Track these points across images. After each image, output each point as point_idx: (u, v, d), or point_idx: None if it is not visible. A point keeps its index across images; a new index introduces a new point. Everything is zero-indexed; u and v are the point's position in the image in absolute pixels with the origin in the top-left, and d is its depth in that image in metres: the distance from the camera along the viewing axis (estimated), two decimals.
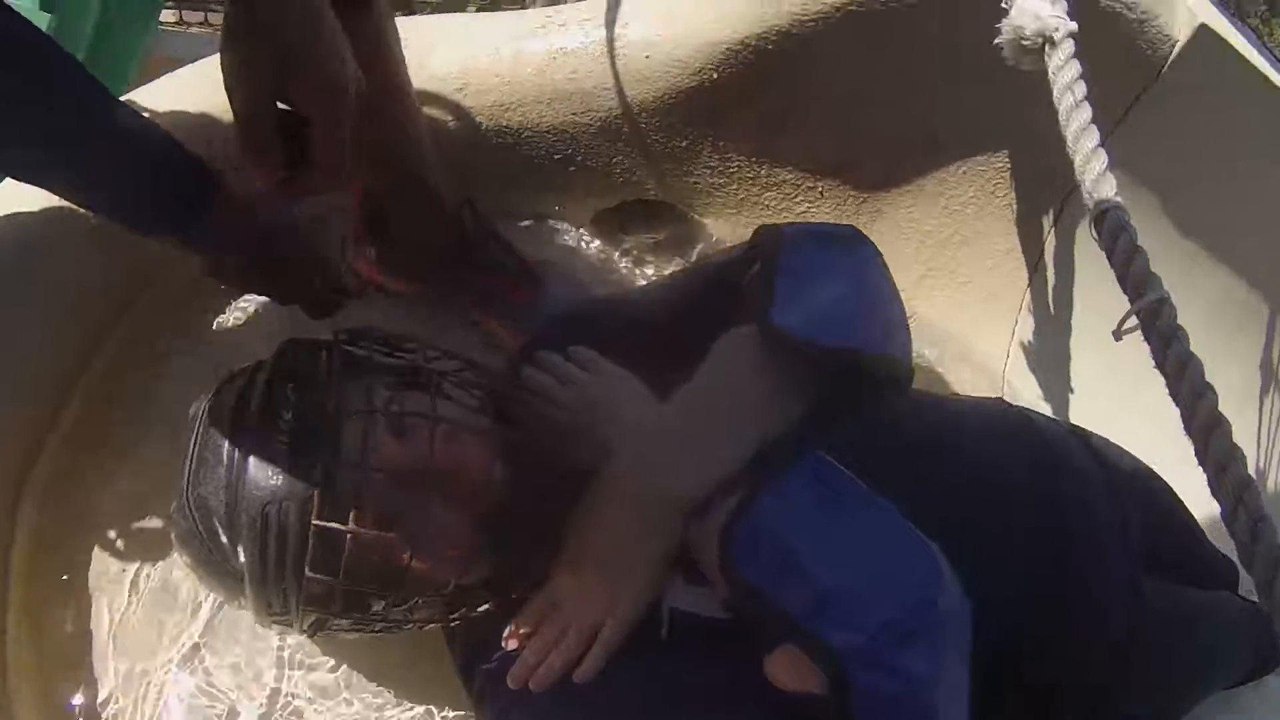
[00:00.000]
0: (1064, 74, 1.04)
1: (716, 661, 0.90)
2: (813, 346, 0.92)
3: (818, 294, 0.97)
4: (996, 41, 1.14)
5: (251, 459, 0.89)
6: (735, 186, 1.56)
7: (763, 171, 1.53)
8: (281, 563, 0.88)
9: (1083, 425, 1.13)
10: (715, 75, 1.39)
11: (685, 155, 1.52)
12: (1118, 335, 0.90)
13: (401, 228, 1.39)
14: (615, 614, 0.92)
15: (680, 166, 1.54)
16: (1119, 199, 0.94)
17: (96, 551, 1.30)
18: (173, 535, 0.96)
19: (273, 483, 0.88)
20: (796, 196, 1.55)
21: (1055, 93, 1.04)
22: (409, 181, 1.33)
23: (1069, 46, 1.06)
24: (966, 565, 0.84)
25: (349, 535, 0.85)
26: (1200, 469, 0.79)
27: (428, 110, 1.46)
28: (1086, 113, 1.00)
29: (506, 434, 0.99)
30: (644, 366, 1.04)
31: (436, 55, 1.47)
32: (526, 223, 1.60)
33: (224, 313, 1.47)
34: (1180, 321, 0.86)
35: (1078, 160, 0.98)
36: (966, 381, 1.59)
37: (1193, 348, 0.84)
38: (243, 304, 1.48)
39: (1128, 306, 0.89)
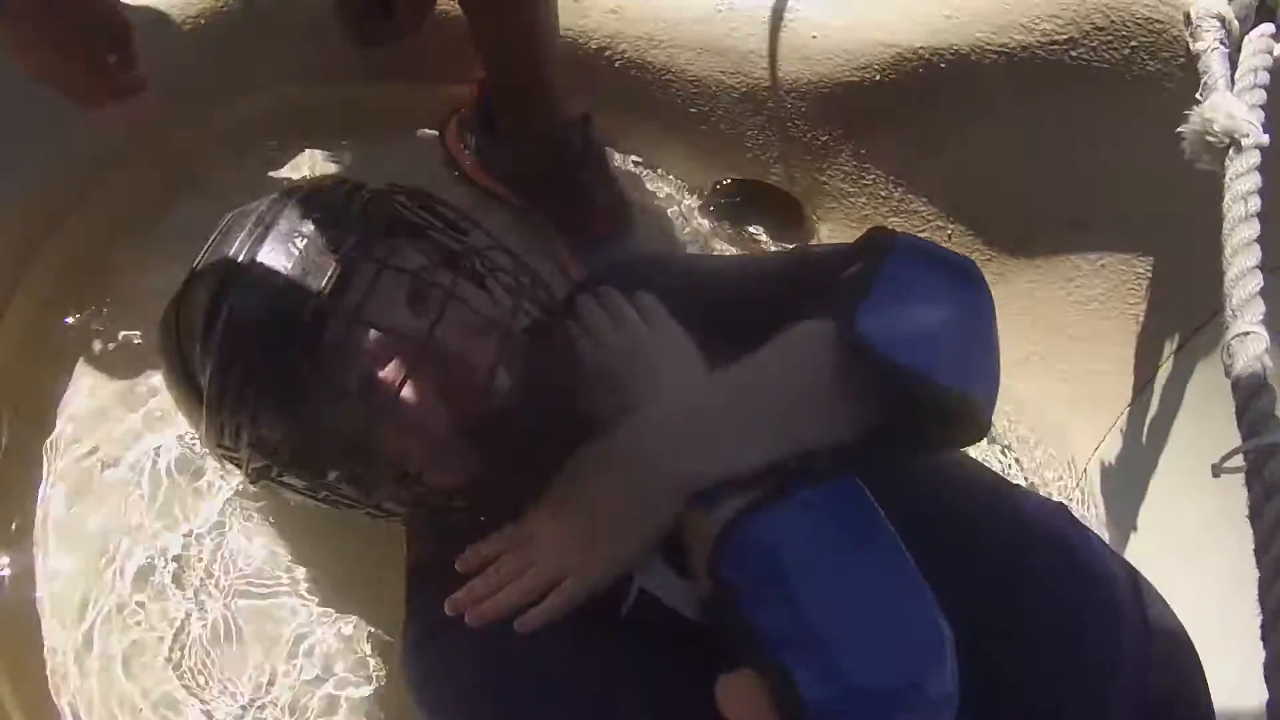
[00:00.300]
0: (1241, 183, 0.95)
1: (665, 661, 0.82)
2: (888, 362, 0.82)
3: (912, 311, 0.88)
4: (1180, 130, 1.04)
5: (245, 279, 0.84)
6: (864, 200, 1.47)
7: (896, 194, 1.44)
8: (241, 390, 0.83)
9: (1136, 564, 1.03)
10: (878, 77, 1.31)
11: (823, 151, 1.43)
12: (1217, 471, 0.81)
13: (510, 125, 1.35)
14: (584, 570, 0.85)
15: (815, 161, 1.45)
16: (1262, 328, 0.85)
17: None
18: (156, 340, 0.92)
19: (258, 303, 0.83)
20: (923, 230, 1.45)
21: (1226, 199, 0.94)
22: (528, 81, 1.27)
23: (1254, 157, 0.97)
24: (972, 662, 0.74)
25: (317, 383, 0.81)
26: (1260, 644, 0.69)
27: (571, 20, 1.40)
28: (1254, 229, 0.91)
29: (529, 350, 0.92)
30: (706, 336, 0.96)
31: None
32: (638, 163, 1.54)
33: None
34: None
35: (1230, 274, 0.89)
36: (1042, 472, 1.49)
37: None
38: None
39: (1229, 451, 0.80)
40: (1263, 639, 0.69)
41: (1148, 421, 1.42)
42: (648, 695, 0.81)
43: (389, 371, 0.84)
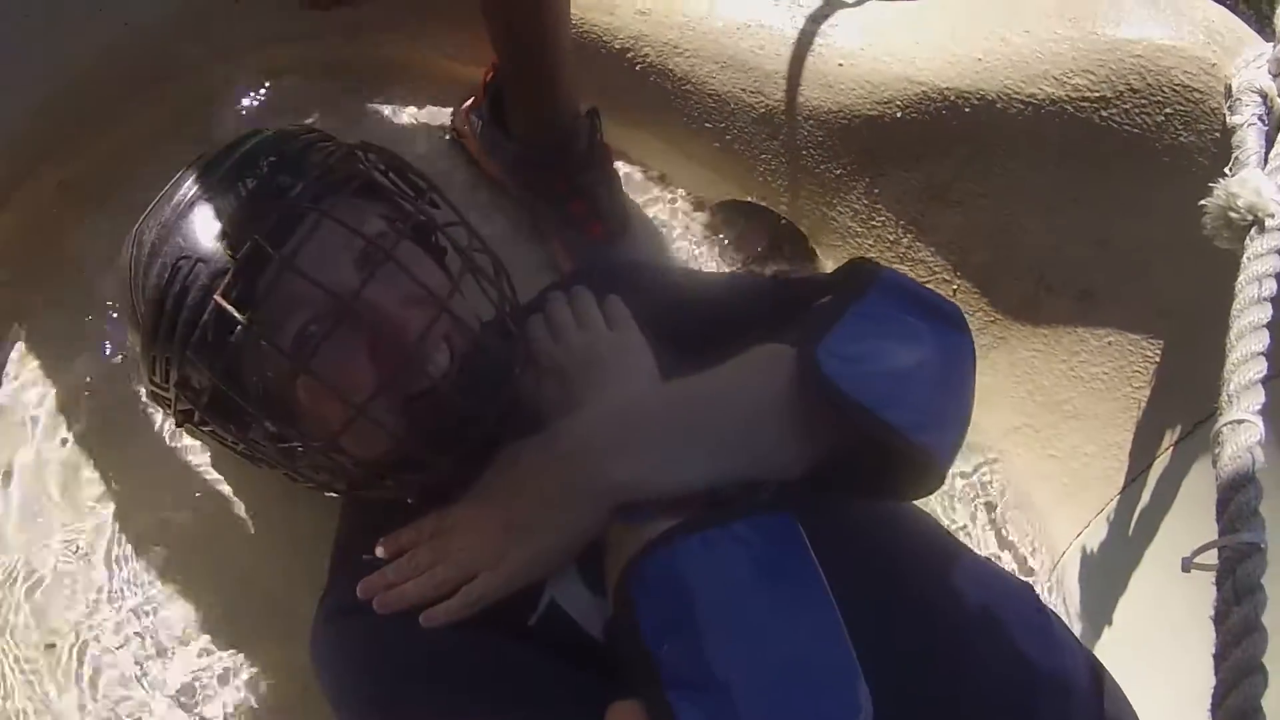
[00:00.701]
0: (1259, 264, 0.89)
1: (563, 678, 0.78)
2: (844, 399, 0.78)
3: (879, 347, 0.84)
4: (1201, 203, 0.98)
5: (194, 211, 0.84)
6: (871, 243, 1.41)
7: (905, 240, 1.38)
8: (171, 326, 0.83)
9: (1102, 659, 0.97)
10: (899, 114, 1.25)
11: (834, 185, 1.38)
12: (1187, 566, 0.75)
13: (515, 114, 1.31)
14: (496, 570, 0.81)
15: (825, 195, 1.40)
16: (1258, 418, 0.79)
17: None
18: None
19: (198, 239, 0.83)
20: (928, 282, 1.39)
21: (1241, 279, 0.89)
22: (538, 70, 1.24)
23: (1276, 239, 0.91)
24: None
25: (242, 327, 0.79)
26: None
27: (597, 17, 1.36)
28: (1265, 313, 0.86)
29: (475, 331, 0.88)
30: (675, 351, 0.93)
31: None
32: (642, 170, 1.50)
33: None
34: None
35: (1232, 358, 0.83)
36: (1017, 549, 1.43)
37: (1266, 620, 0.67)
38: None
39: (1201, 545, 0.75)
40: None
41: (1136, 513, 1.35)
42: (536, 709, 0.76)
43: (314, 325, 0.81)
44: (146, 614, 1.16)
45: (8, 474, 1.23)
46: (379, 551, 0.86)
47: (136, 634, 1.15)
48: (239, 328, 0.79)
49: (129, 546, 1.19)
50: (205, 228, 0.83)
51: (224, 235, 0.81)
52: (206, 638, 1.16)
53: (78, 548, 1.19)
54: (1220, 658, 0.67)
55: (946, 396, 0.88)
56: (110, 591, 1.17)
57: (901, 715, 0.68)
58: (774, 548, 0.72)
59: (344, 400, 0.81)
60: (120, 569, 1.18)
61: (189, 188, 0.85)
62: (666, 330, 0.95)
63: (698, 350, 0.89)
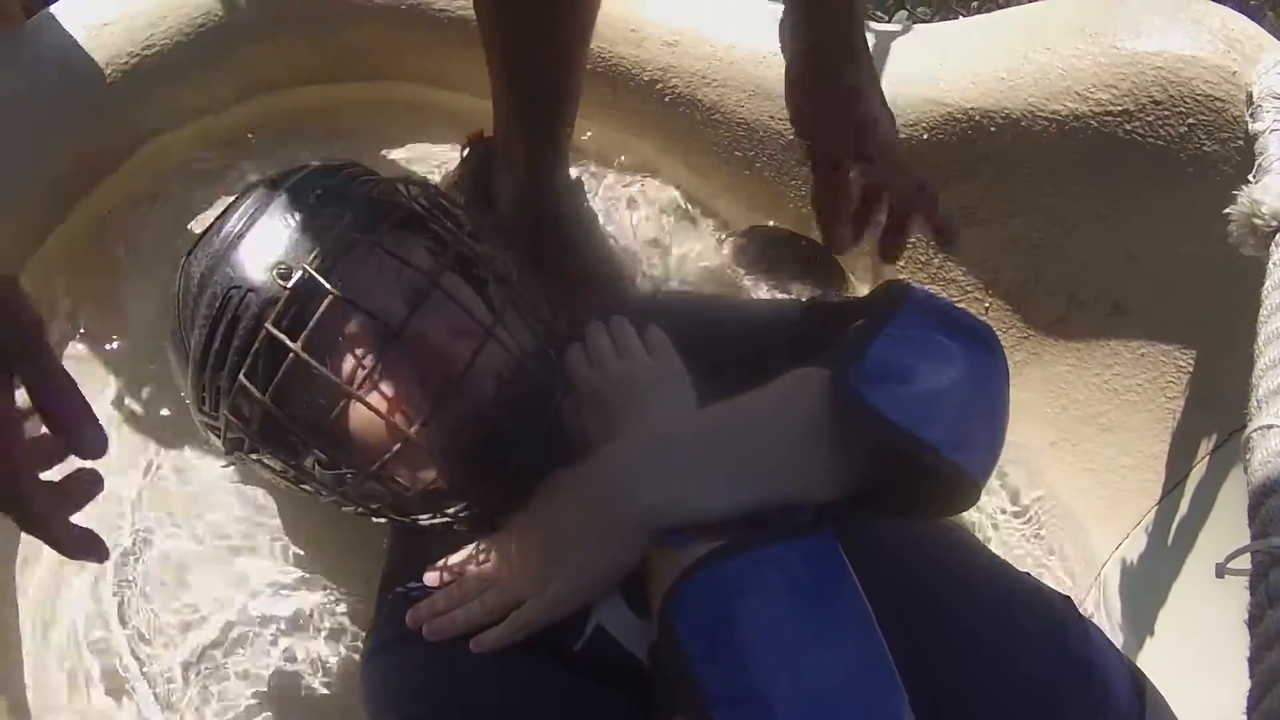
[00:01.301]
0: None
1: (611, 703, 0.79)
2: (881, 420, 0.79)
3: (914, 370, 0.85)
4: (1227, 211, 0.98)
5: (244, 242, 0.86)
6: (903, 264, 1.42)
7: (935, 261, 1.39)
8: (222, 356, 0.85)
9: (1150, 671, 0.97)
10: (926, 136, 1.27)
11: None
12: (1221, 571, 0.75)
13: (507, 175, 1.28)
14: (544, 596, 0.82)
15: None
16: None
17: None
18: None
19: (249, 269, 0.85)
20: (960, 301, 1.40)
21: (1267, 285, 0.89)
22: (546, 120, 1.21)
23: None
24: None
25: (293, 355, 0.80)
26: None
27: (626, 50, 1.38)
28: None
29: (520, 362, 0.90)
30: (713, 379, 0.94)
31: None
32: (672, 198, 1.52)
33: None
34: None
35: (1260, 363, 0.83)
36: (1054, 563, 1.42)
37: None
38: None
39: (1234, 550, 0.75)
40: None
41: (1175, 523, 1.35)
42: None
43: (362, 353, 0.84)
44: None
45: None
46: (427, 579, 0.88)
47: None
48: (290, 356, 0.80)
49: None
50: (255, 258, 0.85)
51: (274, 265, 0.84)
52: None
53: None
54: (1255, 661, 0.67)
55: (981, 415, 0.88)
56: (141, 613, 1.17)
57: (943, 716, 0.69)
58: (814, 568, 0.73)
59: (393, 428, 0.82)
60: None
61: (238, 220, 0.88)
62: (703, 358, 0.95)
63: (733, 377, 0.90)
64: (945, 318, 0.92)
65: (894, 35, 1.35)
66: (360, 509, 0.94)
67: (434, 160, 1.55)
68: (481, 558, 0.87)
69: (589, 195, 1.34)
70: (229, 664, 1.13)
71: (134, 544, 1.19)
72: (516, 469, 0.86)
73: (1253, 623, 0.69)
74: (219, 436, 0.92)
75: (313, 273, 0.81)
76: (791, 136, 1.35)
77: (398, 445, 0.82)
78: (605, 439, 0.87)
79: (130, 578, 1.17)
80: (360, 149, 1.53)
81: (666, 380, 0.93)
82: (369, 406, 0.82)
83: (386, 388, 0.85)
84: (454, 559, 0.88)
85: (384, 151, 1.56)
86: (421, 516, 0.92)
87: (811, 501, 0.82)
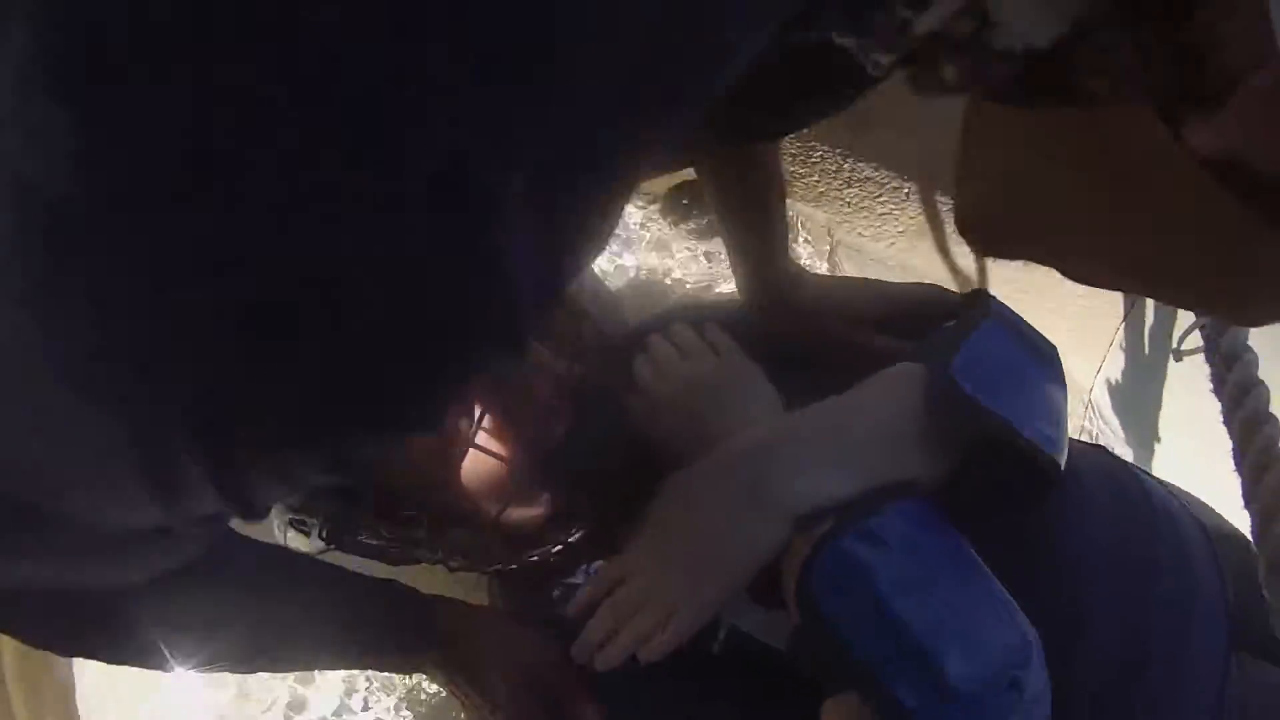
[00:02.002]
0: None
1: (758, 693, 0.82)
2: (979, 405, 0.81)
3: (1003, 369, 0.87)
4: None
5: None
6: (817, 178, 1.47)
7: (845, 165, 1.43)
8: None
9: (1166, 470, 1.00)
10: None
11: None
12: (1178, 355, 0.80)
13: None
14: (692, 602, 0.82)
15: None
16: None
17: None
18: None
19: None
20: (880, 195, 1.45)
21: None
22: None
23: None
24: (1055, 648, 0.75)
25: None
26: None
27: None
28: None
29: (588, 382, 0.93)
30: (777, 377, 0.95)
31: None
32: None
33: None
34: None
35: None
36: None
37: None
38: None
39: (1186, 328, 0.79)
40: (1245, 501, 0.69)
41: (1146, 330, 1.41)
42: None
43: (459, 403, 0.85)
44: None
45: None
46: (571, 613, 0.86)
47: None
48: None
49: None
50: None
51: None
52: None
53: None
54: (1228, 423, 0.72)
55: (1059, 410, 0.92)
56: None
57: (1056, 627, 0.75)
58: (923, 525, 0.78)
59: (504, 471, 0.85)
60: None
61: None
62: (762, 352, 0.97)
63: (795, 377, 0.93)
64: (1019, 332, 0.94)
65: None
66: (467, 565, 0.95)
67: None
68: (616, 580, 0.86)
69: None
70: None
71: None
72: (606, 486, 0.90)
73: (1217, 386, 0.75)
74: (311, 533, 0.90)
75: None
76: None
77: (498, 486, 0.85)
78: (696, 442, 0.88)
79: None
80: None
81: (741, 377, 0.94)
82: (489, 453, 0.84)
83: (492, 431, 0.85)
84: (588, 588, 0.87)
85: None
86: (530, 556, 0.94)
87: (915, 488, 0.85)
